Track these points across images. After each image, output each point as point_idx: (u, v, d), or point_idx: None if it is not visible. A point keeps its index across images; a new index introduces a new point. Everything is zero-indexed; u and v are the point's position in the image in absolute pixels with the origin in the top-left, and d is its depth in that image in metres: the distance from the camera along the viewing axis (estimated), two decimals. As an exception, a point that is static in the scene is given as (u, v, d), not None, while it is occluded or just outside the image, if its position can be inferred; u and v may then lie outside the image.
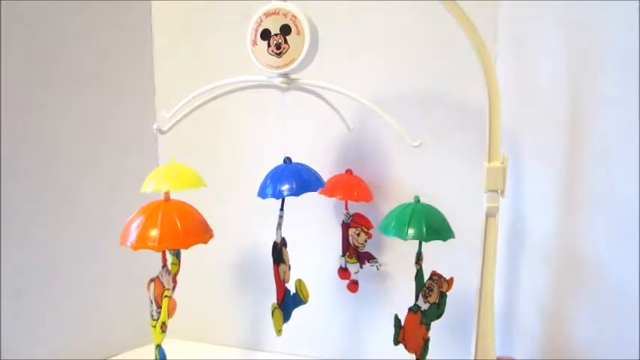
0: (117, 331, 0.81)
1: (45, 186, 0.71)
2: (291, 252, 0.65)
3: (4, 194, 0.67)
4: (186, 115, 0.50)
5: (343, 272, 0.74)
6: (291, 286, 0.65)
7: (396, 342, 0.58)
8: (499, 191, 0.52)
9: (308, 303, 0.65)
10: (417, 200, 0.55)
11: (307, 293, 0.64)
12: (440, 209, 0.57)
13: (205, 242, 0.46)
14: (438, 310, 0.57)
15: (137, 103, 0.80)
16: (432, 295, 0.57)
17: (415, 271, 0.57)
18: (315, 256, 0.75)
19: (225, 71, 0.54)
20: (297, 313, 0.65)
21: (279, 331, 0.62)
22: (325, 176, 0.67)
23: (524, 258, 0.65)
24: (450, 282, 0.56)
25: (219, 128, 0.80)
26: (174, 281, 0.60)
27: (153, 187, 0.58)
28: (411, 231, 0.53)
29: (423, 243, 0.57)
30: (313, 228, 0.77)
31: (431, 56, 0.68)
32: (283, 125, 0.63)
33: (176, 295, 0.57)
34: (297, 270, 0.65)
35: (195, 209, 0.48)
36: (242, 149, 0.79)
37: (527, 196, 0.64)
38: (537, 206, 0.63)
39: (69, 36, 0.72)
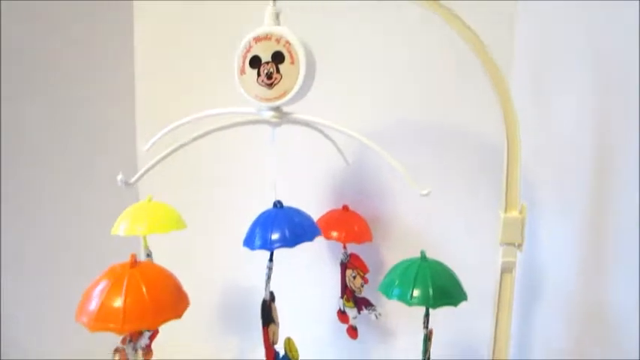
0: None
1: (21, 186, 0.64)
2: (282, 294, 0.58)
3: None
4: (162, 159, 0.43)
5: (342, 315, 0.67)
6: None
7: None
8: (516, 244, 0.47)
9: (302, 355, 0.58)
10: (424, 256, 0.47)
11: (297, 353, 0.57)
12: (447, 249, 0.52)
13: (179, 317, 0.39)
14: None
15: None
16: None
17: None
18: (311, 298, 0.69)
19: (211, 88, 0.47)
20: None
21: None
22: (319, 213, 0.61)
23: (540, 313, 0.59)
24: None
25: (202, 161, 0.71)
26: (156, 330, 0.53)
27: (124, 230, 0.52)
28: (416, 293, 0.45)
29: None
30: (307, 266, 0.70)
31: (441, 89, 0.62)
32: (273, 161, 0.56)
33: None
34: (292, 318, 0.58)
35: (168, 272, 0.40)
36: (228, 184, 0.71)
37: (544, 246, 0.58)
38: (555, 257, 0.57)
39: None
